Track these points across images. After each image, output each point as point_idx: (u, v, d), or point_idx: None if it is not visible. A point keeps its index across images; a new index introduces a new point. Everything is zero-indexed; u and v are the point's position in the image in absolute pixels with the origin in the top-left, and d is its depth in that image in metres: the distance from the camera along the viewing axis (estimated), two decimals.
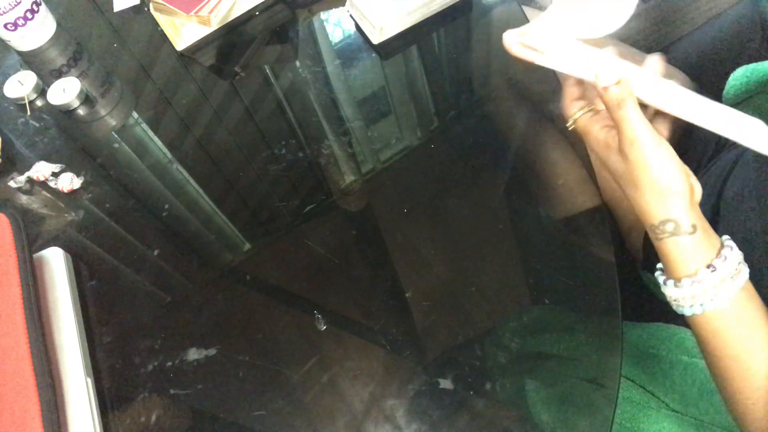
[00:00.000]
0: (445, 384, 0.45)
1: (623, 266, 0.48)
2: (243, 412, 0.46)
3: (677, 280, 0.41)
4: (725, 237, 0.41)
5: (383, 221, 0.54)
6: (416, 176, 0.57)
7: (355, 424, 0.44)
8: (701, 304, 0.40)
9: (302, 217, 0.55)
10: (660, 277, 0.44)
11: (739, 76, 0.54)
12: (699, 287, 0.40)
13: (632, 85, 0.41)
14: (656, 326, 0.55)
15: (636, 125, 0.40)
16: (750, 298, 0.40)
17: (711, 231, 0.41)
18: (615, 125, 0.42)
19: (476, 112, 0.59)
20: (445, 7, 0.65)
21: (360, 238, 0.54)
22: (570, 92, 0.48)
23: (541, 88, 0.59)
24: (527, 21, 0.63)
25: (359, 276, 0.51)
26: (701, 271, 0.40)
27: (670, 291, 0.42)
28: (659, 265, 0.44)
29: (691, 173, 0.41)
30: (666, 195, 0.40)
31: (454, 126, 0.59)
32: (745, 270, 0.40)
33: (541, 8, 0.96)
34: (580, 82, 0.48)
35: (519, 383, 0.45)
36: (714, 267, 0.40)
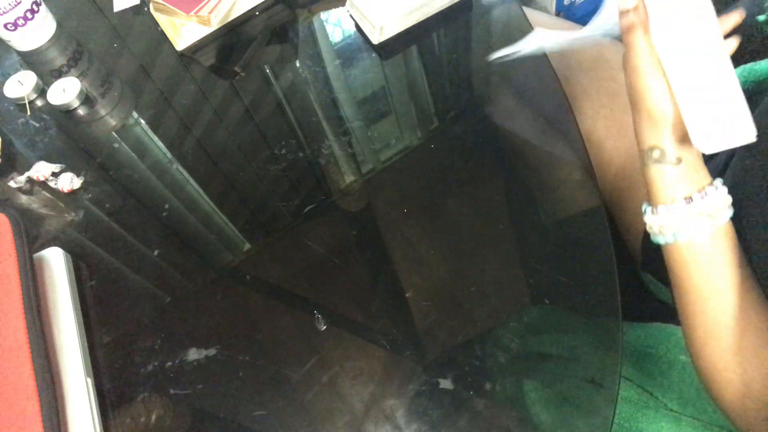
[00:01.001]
0: (445, 384, 0.45)
1: (623, 266, 0.48)
2: (243, 412, 0.46)
3: (654, 207, 0.43)
4: (718, 180, 0.42)
5: (383, 221, 0.54)
6: (416, 176, 0.57)
7: (355, 424, 0.44)
8: (673, 234, 0.41)
9: (302, 217, 0.55)
10: (644, 206, 0.45)
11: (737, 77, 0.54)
12: (673, 216, 0.41)
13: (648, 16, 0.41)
14: (655, 326, 0.55)
15: (640, 53, 0.41)
16: (726, 238, 0.41)
17: (702, 170, 0.42)
18: (625, 48, 0.43)
19: (476, 112, 0.59)
20: (445, 7, 0.65)
21: (360, 238, 0.54)
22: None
23: (540, 88, 0.59)
24: (527, 21, 0.63)
25: (359, 276, 0.51)
26: (678, 201, 0.41)
27: (647, 218, 0.43)
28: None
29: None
30: (656, 122, 0.42)
31: (454, 126, 0.59)
32: (727, 212, 0.41)
33: (541, 8, 0.96)
34: None
35: (519, 383, 0.45)
36: (692, 199, 0.41)
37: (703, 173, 0.42)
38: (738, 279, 0.41)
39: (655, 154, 0.42)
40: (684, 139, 0.42)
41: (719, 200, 0.41)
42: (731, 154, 0.56)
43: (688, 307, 0.42)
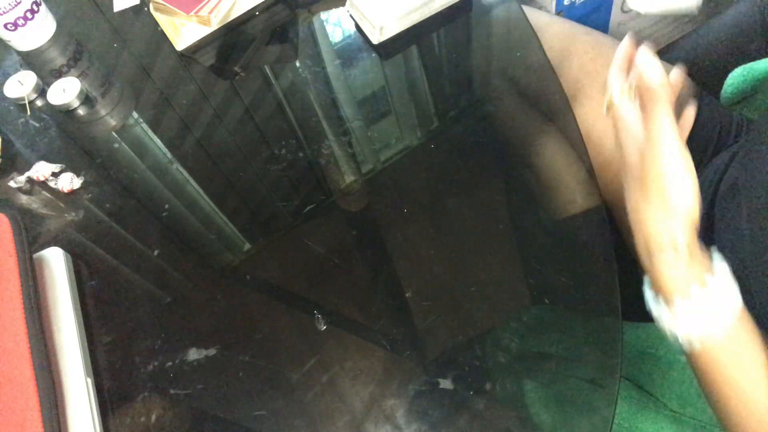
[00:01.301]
0: (445, 384, 0.45)
1: (623, 266, 0.48)
2: (243, 412, 0.46)
3: (669, 300, 0.40)
4: (714, 253, 0.40)
5: (383, 221, 0.54)
6: (416, 176, 0.57)
7: (355, 424, 0.44)
8: (697, 332, 0.38)
9: (302, 217, 0.55)
10: (652, 301, 0.42)
11: (736, 76, 0.54)
12: (691, 305, 0.38)
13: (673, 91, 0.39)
14: (655, 326, 0.55)
15: (665, 127, 0.38)
16: (745, 322, 0.39)
17: (702, 251, 0.40)
18: (645, 118, 0.40)
19: (476, 112, 0.59)
20: (445, 7, 0.65)
21: (360, 238, 0.54)
22: (619, 64, 0.46)
23: (541, 88, 0.59)
24: (527, 21, 0.63)
25: (359, 276, 0.51)
26: (693, 288, 0.38)
27: (666, 322, 0.41)
28: (647, 282, 0.43)
29: (698, 192, 0.40)
30: (671, 211, 0.39)
31: (454, 126, 0.59)
32: (737, 293, 0.39)
33: (541, 8, 0.96)
34: (631, 59, 0.45)
35: (519, 383, 0.45)
36: (706, 283, 0.38)
37: (702, 255, 0.40)
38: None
39: (666, 246, 0.39)
40: (693, 224, 0.39)
41: (726, 275, 0.39)
42: (731, 156, 0.56)
43: (730, 403, 0.39)
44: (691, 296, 0.38)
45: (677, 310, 0.39)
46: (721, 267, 0.39)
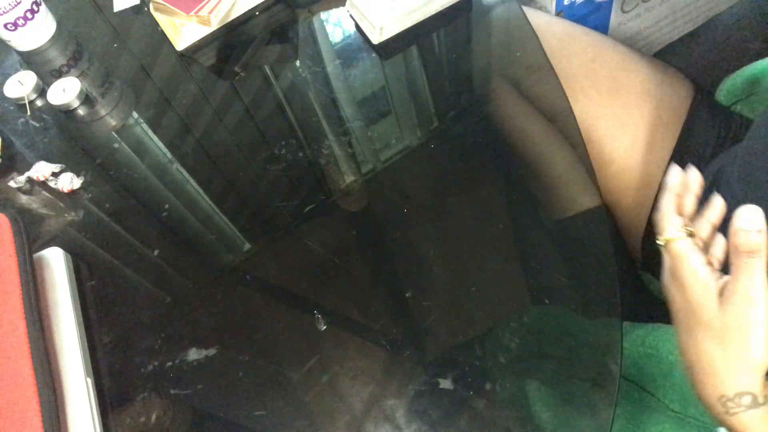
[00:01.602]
0: (445, 384, 0.45)
1: (623, 266, 0.48)
2: (243, 412, 0.46)
3: None
4: None
5: (383, 221, 0.54)
6: (416, 176, 0.57)
7: (355, 424, 0.44)
8: None
9: (302, 217, 0.55)
10: None
11: (727, 80, 0.54)
12: None
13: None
14: (656, 326, 0.55)
15: (758, 283, 0.37)
16: None
17: None
18: (732, 270, 0.38)
19: (476, 112, 0.59)
20: (445, 7, 0.65)
21: (360, 238, 0.54)
22: (670, 201, 0.43)
23: (541, 88, 0.59)
24: (527, 21, 0.63)
25: (359, 276, 0.51)
26: None
27: None
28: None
29: None
30: (751, 366, 0.38)
31: (454, 126, 0.59)
32: None
33: (541, 8, 0.96)
34: (682, 195, 0.44)
35: (519, 383, 0.45)
36: None
37: None
38: None
39: (746, 400, 0.38)
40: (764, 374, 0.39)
41: None
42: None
43: None
44: None
45: None
46: None
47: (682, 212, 0.43)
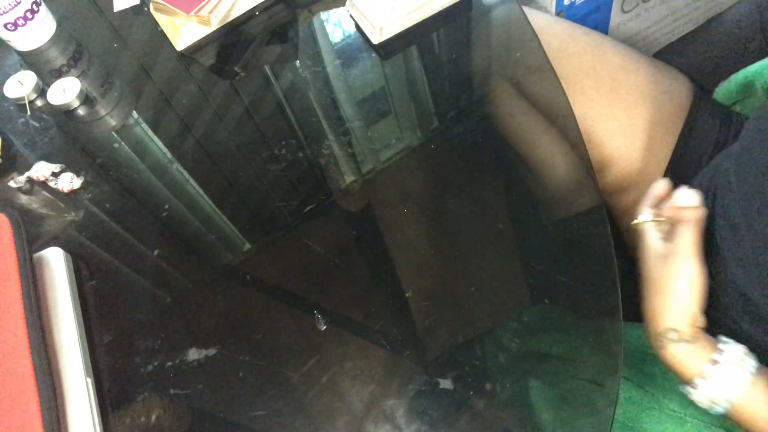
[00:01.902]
0: (445, 384, 0.45)
1: (623, 266, 0.49)
2: (243, 412, 0.46)
3: (692, 384, 0.45)
4: (721, 337, 0.46)
5: (383, 221, 0.54)
6: (416, 176, 0.57)
7: (355, 424, 0.44)
8: (726, 399, 0.43)
9: (302, 217, 0.55)
10: (685, 389, 0.47)
11: (723, 85, 0.57)
12: (710, 382, 0.44)
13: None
14: None
15: (688, 244, 0.46)
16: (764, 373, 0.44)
17: (706, 337, 0.46)
18: (673, 235, 0.47)
19: (476, 112, 0.59)
20: (445, 7, 0.65)
21: (360, 238, 0.54)
22: (651, 200, 0.54)
23: (541, 89, 0.59)
24: (527, 21, 0.63)
25: (359, 276, 0.51)
26: (705, 366, 0.44)
27: (694, 397, 0.46)
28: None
29: (701, 314, 0.46)
30: (677, 307, 0.45)
31: (454, 126, 0.59)
32: (750, 360, 0.44)
33: (541, 8, 0.96)
34: (662, 198, 0.53)
35: (519, 383, 0.45)
36: (715, 360, 0.44)
37: (708, 339, 0.46)
38: None
39: (672, 335, 0.46)
40: (695, 325, 0.46)
41: (734, 350, 0.44)
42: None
43: None
44: (706, 374, 0.44)
45: (700, 388, 0.45)
46: (728, 346, 0.45)
47: (656, 207, 0.52)
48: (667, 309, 0.46)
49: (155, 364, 0.49)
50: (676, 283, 0.46)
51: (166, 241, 0.56)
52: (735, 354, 0.44)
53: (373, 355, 0.47)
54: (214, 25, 0.68)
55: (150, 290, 0.53)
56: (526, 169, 0.56)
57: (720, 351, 0.44)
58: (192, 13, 0.66)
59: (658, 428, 0.52)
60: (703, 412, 0.50)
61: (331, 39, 0.69)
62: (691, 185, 0.58)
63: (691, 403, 0.51)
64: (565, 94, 0.57)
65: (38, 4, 0.69)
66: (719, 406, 0.44)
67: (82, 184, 0.60)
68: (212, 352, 0.49)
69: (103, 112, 0.66)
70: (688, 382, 0.45)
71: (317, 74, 0.65)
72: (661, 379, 0.53)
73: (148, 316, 0.52)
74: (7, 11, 0.65)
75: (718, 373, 0.44)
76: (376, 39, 0.64)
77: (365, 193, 0.56)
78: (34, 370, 0.43)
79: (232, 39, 0.69)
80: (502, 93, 0.61)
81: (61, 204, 0.59)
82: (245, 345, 0.49)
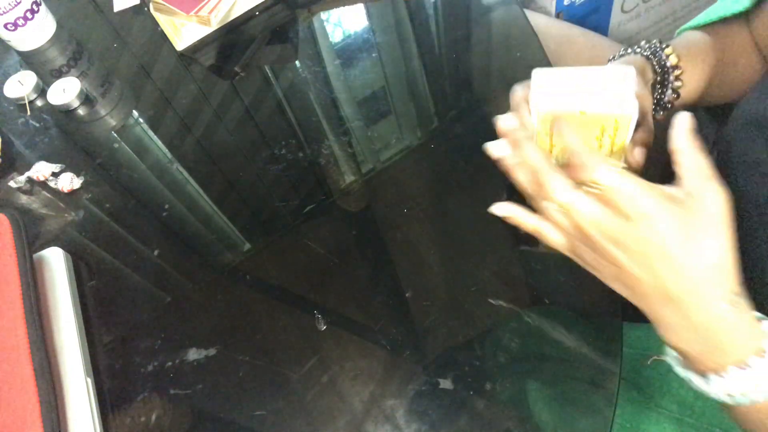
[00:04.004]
0: (445, 384, 0.45)
1: None
2: (243, 412, 0.46)
3: (720, 370, 0.34)
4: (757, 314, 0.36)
5: (383, 221, 0.54)
6: (416, 176, 0.57)
7: (355, 424, 0.44)
8: (757, 397, 0.34)
9: (302, 217, 0.55)
10: (679, 367, 0.38)
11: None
12: (749, 374, 0.34)
13: None
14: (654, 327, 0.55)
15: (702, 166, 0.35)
16: None
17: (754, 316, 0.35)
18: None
19: (476, 112, 0.59)
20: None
21: (360, 238, 0.54)
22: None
23: None
24: (528, 22, 0.63)
25: (359, 276, 0.51)
26: (750, 359, 0.33)
27: (706, 386, 0.35)
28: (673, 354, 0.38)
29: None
30: (733, 260, 0.35)
31: (454, 126, 0.59)
32: None
33: (541, 8, 0.96)
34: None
35: (519, 383, 0.45)
36: (764, 349, 0.33)
37: (754, 319, 0.35)
38: None
39: (735, 298, 0.34)
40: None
41: None
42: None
43: None
44: (749, 365, 0.34)
45: (731, 379, 0.34)
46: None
47: None
48: (731, 259, 0.34)
49: (155, 364, 0.49)
50: (727, 227, 0.33)
51: (166, 241, 0.56)
52: None
53: (373, 355, 0.47)
54: (214, 25, 0.68)
55: (150, 290, 0.53)
56: None
57: (766, 335, 0.34)
58: (192, 13, 0.66)
59: (656, 429, 0.52)
60: (700, 415, 0.50)
61: (331, 39, 0.69)
62: None
63: (688, 407, 0.51)
64: None
65: (38, 4, 0.69)
66: (736, 399, 0.34)
67: (82, 184, 0.60)
68: (212, 352, 0.49)
69: (103, 112, 0.66)
70: (714, 368, 0.35)
71: (317, 74, 0.65)
72: (659, 381, 0.53)
73: (148, 316, 0.52)
74: (7, 11, 0.65)
75: (763, 367, 0.33)
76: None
77: (365, 193, 0.56)
78: (34, 370, 0.43)
79: (232, 39, 0.69)
80: (502, 93, 0.61)
81: (61, 204, 0.59)
82: (245, 345, 0.49)
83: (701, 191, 0.34)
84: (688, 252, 0.33)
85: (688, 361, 0.36)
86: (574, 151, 0.36)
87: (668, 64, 0.50)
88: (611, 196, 0.34)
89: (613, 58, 0.53)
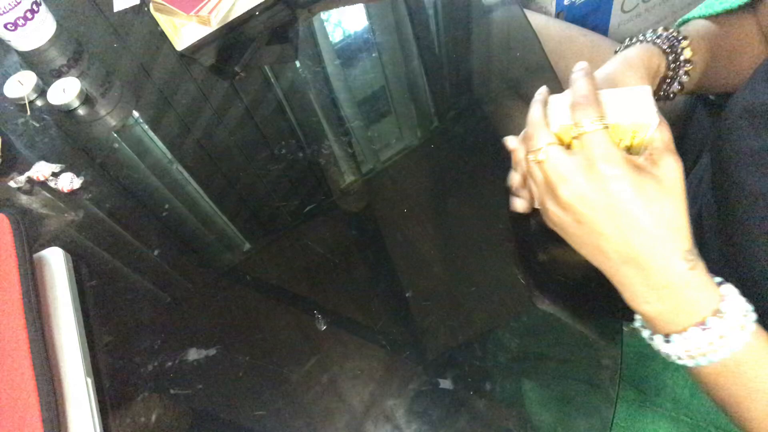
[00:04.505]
0: (445, 384, 0.45)
1: None
2: (243, 412, 0.46)
3: (673, 330, 0.37)
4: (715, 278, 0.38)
5: (383, 221, 0.54)
6: (416, 176, 0.57)
7: (355, 424, 0.44)
8: (716, 357, 0.36)
9: (302, 217, 0.55)
10: (646, 331, 0.40)
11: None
12: (708, 334, 0.36)
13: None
14: None
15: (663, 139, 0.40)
16: (760, 337, 0.36)
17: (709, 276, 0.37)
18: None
19: (476, 112, 0.59)
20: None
21: (360, 238, 0.54)
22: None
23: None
24: (528, 22, 0.63)
25: (359, 276, 0.52)
26: (709, 319, 0.36)
27: (669, 347, 0.38)
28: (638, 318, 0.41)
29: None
30: (686, 220, 0.38)
31: (454, 126, 0.59)
32: (752, 316, 0.36)
33: (541, 8, 0.96)
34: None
35: (519, 383, 0.45)
36: (720, 311, 0.36)
37: (710, 281, 0.37)
38: None
39: (689, 257, 0.36)
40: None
41: (740, 303, 0.36)
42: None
43: (749, 414, 0.37)
44: (708, 326, 0.36)
45: (691, 339, 0.36)
46: (728, 289, 0.37)
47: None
48: (686, 220, 0.37)
49: (155, 364, 0.49)
50: (682, 192, 0.37)
51: (166, 241, 0.56)
52: (739, 307, 0.36)
53: (373, 355, 0.47)
54: (214, 25, 0.68)
55: (150, 290, 0.53)
56: None
57: (723, 298, 0.36)
58: (192, 13, 0.66)
59: (652, 428, 0.52)
60: (696, 413, 0.51)
61: (331, 39, 0.69)
62: (691, 180, 0.58)
63: (683, 405, 0.51)
64: None
65: (38, 4, 0.69)
66: (697, 360, 0.37)
67: (82, 184, 0.60)
68: (212, 352, 0.49)
69: (103, 112, 0.66)
70: (675, 330, 0.37)
71: (317, 74, 0.65)
72: (655, 379, 0.53)
73: (148, 316, 0.52)
74: (7, 11, 0.65)
75: (720, 327, 0.35)
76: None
77: (365, 193, 0.56)
78: (34, 370, 0.43)
79: (232, 39, 0.69)
80: (502, 93, 0.61)
81: (61, 204, 0.59)
82: (245, 345, 0.49)
83: (663, 162, 0.38)
84: (650, 212, 0.36)
85: (652, 325, 0.39)
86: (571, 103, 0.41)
87: (682, 58, 0.50)
88: (587, 151, 0.38)
89: (630, 43, 0.52)
